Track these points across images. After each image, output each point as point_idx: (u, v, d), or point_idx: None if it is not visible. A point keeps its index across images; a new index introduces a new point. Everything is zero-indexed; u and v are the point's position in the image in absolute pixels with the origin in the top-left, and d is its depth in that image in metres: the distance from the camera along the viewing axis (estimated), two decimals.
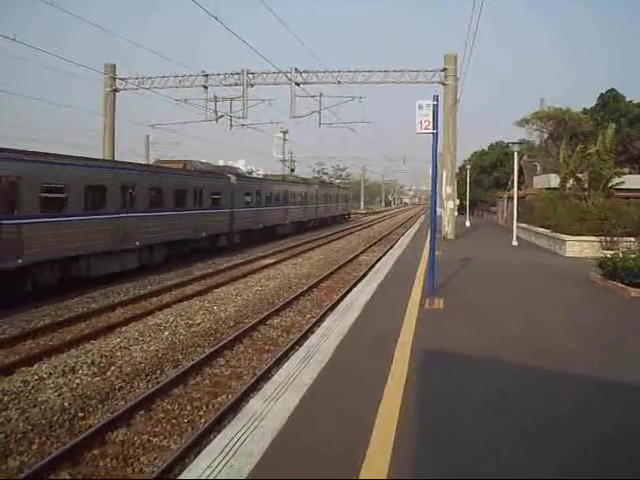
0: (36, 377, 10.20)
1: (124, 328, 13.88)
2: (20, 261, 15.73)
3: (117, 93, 35.84)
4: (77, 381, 10.10)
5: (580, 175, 27.83)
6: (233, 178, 32.81)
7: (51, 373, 10.43)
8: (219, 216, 29.97)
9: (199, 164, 31.22)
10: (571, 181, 28.75)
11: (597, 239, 23.08)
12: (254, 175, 45.82)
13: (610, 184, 26.82)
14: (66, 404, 9.02)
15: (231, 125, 37.20)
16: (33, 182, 16.39)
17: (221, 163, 34.37)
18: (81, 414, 8.74)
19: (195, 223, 26.67)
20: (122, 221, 20.74)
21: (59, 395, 9.41)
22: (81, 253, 18.54)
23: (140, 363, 11.20)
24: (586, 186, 27.32)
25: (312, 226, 52.21)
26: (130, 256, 21.60)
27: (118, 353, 11.81)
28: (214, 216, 29.22)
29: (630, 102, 55.40)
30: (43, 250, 16.57)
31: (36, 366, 10.85)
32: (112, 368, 10.87)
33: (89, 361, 11.18)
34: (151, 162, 38.72)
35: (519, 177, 34.68)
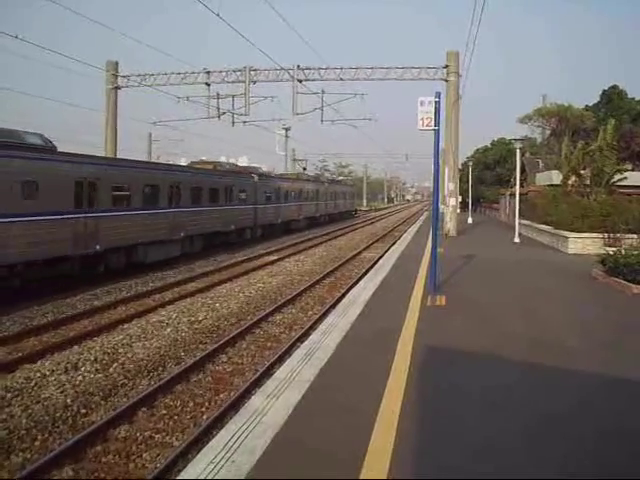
0: (39, 374, 10.23)
1: (126, 325, 13.92)
2: (98, 247, 19.30)
3: (119, 90, 35.84)
4: (80, 378, 10.13)
5: (582, 172, 27.79)
6: (256, 177, 36.24)
7: (54, 370, 10.46)
8: (245, 211, 33.66)
9: (227, 165, 35.55)
10: (573, 178, 28.73)
11: (599, 236, 23.04)
12: (273, 174, 49.25)
13: (612, 181, 26.78)
14: (69, 401, 9.04)
15: (233, 122, 37.23)
16: (107, 183, 20.15)
17: (223, 159, 34.52)
18: (83, 411, 8.77)
19: (226, 217, 30.25)
20: (170, 215, 24.39)
21: (62, 392, 9.44)
22: (140, 242, 21.97)
23: (142, 360, 11.23)
24: (588, 183, 27.29)
25: (323, 221, 55.00)
26: (175, 245, 24.97)
27: (120, 350, 11.84)
28: (241, 211, 32.94)
29: (633, 99, 55.41)
30: (114, 239, 20.22)
31: (39, 363, 10.89)
32: (114, 365, 10.89)
33: (92, 358, 11.21)
34: (154, 159, 41.03)
35: (521, 174, 34.66)
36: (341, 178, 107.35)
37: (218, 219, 29.29)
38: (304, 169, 64.47)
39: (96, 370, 10.59)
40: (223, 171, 32.56)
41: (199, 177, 28.44)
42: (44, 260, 16.98)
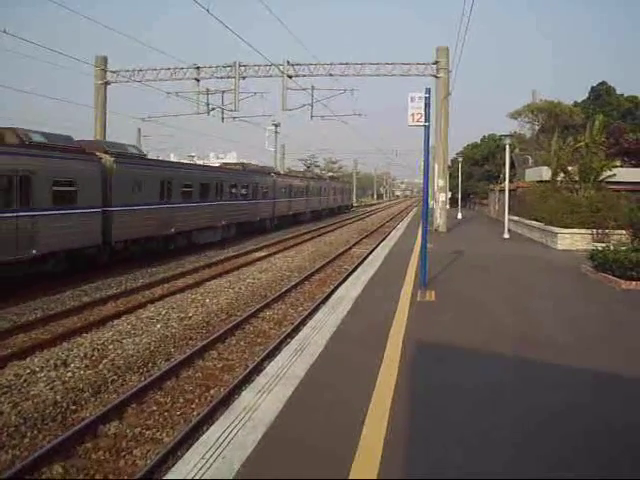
0: (28, 370, 10.18)
1: (116, 321, 13.86)
2: (172, 230, 25.16)
3: (109, 86, 35.65)
4: (69, 374, 10.09)
5: (570, 168, 27.89)
6: (275, 176, 43.31)
7: (43, 366, 10.41)
8: (267, 205, 39.75)
9: (252, 165, 41.31)
10: (562, 174, 28.85)
11: (588, 232, 23.17)
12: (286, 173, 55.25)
13: (601, 177, 26.89)
14: (58, 397, 9.00)
15: (223, 118, 37.10)
16: (179, 182, 26.06)
17: (211, 156, 34.70)
18: (73, 407, 8.74)
19: (254, 210, 36.55)
20: (215, 206, 29.89)
21: (51, 388, 9.39)
22: (195, 228, 27.72)
23: (132, 356, 11.19)
24: (576, 179, 27.40)
25: (325, 214, 61.50)
26: (218, 231, 30.69)
27: (110, 346, 11.80)
28: (265, 205, 39.07)
29: (621, 95, 55.69)
30: (180, 225, 25.88)
31: (28, 359, 10.83)
32: (104, 361, 10.85)
33: (81, 354, 11.16)
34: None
35: (511, 170, 34.76)
36: (330, 174, 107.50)
37: (249, 211, 35.50)
38: (308, 167, 75.50)
39: (86, 366, 10.54)
40: (251, 171, 38.45)
41: (235, 176, 34.55)
42: (144, 238, 23.09)
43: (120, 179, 21.13)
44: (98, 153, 20.63)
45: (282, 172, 54.45)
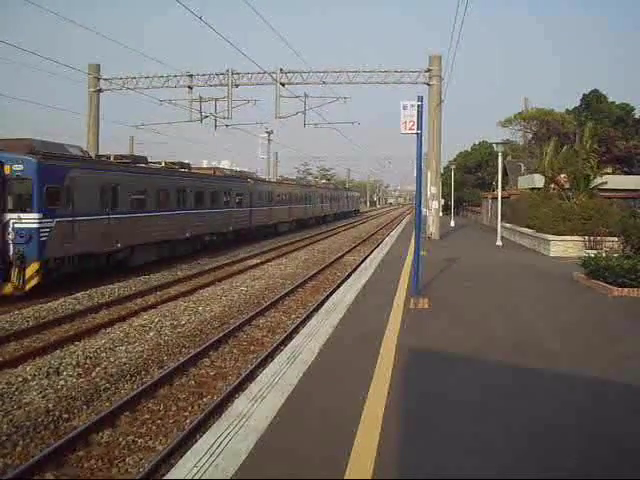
0: (20, 379, 10.13)
1: (109, 329, 13.83)
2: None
3: (101, 94, 35.63)
4: (61, 382, 10.05)
5: (562, 176, 27.99)
6: (309, 188, 54.77)
7: (35, 375, 10.36)
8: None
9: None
10: (553, 183, 28.95)
11: (581, 239, 23.25)
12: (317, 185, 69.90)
13: (593, 184, 27.00)
14: (50, 405, 8.97)
15: (216, 125, 37.10)
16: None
17: (205, 164, 34.58)
18: (66, 415, 8.70)
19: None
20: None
21: (43, 397, 9.35)
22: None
23: (125, 364, 11.16)
24: (569, 186, 27.50)
25: (342, 216, 75.93)
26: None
27: (103, 354, 11.76)
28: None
29: (613, 103, 55.99)
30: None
31: (20, 368, 10.78)
32: (97, 369, 10.82)
33: (74, 362, 11.12)
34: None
35: (503, 177, 34.88)
36: (323, 181, 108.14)
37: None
38: (328, 180, 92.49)
39: (78, 374, 10.51)
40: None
41: (277, 187, 43.90)
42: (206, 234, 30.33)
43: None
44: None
45: (267, 179, 54.49)
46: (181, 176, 28.69)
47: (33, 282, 17.11)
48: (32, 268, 17.05)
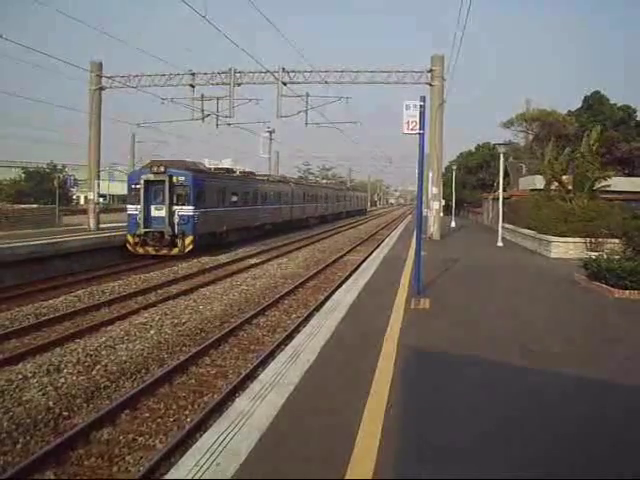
0: (20, 376, 10.13)
1: (109, 327, 13.82)
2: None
3: (103, 91, 35.57)
4: (62, 380, 10.05)
5: (565, 178, 27.94)
6: (331, 189, 69.15)
7: (36, 372, 10.36)
8: (323, 208, 61.89)
9: (315, 180, 67.30)
10: (556, 183, 28.90)
11: (582, 240, 23.22)
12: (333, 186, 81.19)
13: (596, 187, 26.94)
14: (51, 403, 8.97)
15: (217, 124, 37.07)
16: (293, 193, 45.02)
17: (206, 162, 34.74)
18: (66, 413, 8.71)
19: (312, 210, 55.64)
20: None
21: (44, 394, 9.35)
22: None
23: (126, 362, 11.16)
24: (571, 188, 27.45)
25: (354, 213, 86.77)
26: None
27: (103, 352, 11.76)
28: (324, 207, 60.73)
29: (614, 105, 55.94)
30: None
31: (20, 365, 10.78)
32: (97, 367, 10.82)
33: (74, 360, 11.12)
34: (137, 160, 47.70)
35: (505, 178, 34.84)
36: (325, 181, 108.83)
37: (315, 210, 56.97)
38: (342, 182, 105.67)
39: (79, 372, 10.50)
40: (315, 185, 57.46)
41: (308, 188, 55.93)
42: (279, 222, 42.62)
43: None
44: None
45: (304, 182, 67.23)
46: (253, 181, 39.56)
47: (189, 248, 27.45)
48: (189, 239, 27.50)
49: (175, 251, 27.11)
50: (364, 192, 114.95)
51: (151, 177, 27.54)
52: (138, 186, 27.62)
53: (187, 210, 27.46)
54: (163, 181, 27.30)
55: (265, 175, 46.66)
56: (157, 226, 27.30)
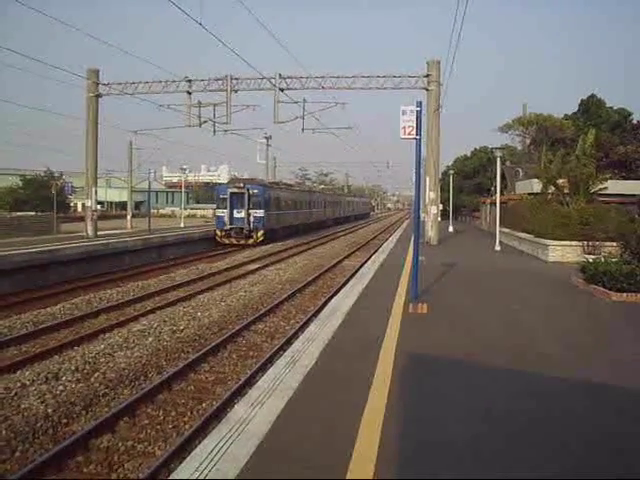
0: (19, 384, 10.12)
1: (108, 334, 13.82)
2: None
3: (100, 98, 35.59)
4: (60, 388, 10.04)
5: (561, 181, 28.01)
6: (347, 197, 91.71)
7: (34, 380, 10.36)
8: (336, 211, 76.69)
9: (333, 189, 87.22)
10: (552, 187, 28.97)
11: (579, 244, 23.25)
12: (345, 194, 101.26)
13: (592, 190, 27.01)
14: (49, 411, 8.96)
15: (214, 131, 37.14)
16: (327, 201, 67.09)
17: (203, 168, 35.70)
18: (64, 421, 8.71)
19: (331, 213, 71.21)
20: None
21: (42, 402, 9.34)
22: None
23: (124, 369, 11.15)
24: (566, 191, 27.51)
25: (360, 217, 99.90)
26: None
27: (102, 359, 11.75)
28: (325, 212, 68.48)
29: (610, 108, 56.07)
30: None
31: (19, 373, 10.78)
32: (96, 374, 10.81)
33: (72, 367, 11.12)
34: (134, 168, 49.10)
35: (502, 182, 34.89)
36: (322, 186, 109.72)
37: (333, 213, 72.73)
38: (348, 188, 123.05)
39: (77, 380, 10.50)
40: (333, 193, 77.08)
41: (328, 196, 71.87)
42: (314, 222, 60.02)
43: None
44: None
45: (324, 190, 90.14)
46: (300, 191, 56.69)
47: (260, 239, 39.08)
48: (260, 233, 39.27)
49: (251, 241, 38.74)
50: (368, 198, 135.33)
51: (235, 190, 39.33)
52: (225, 196, 39.37)
53: (259, 213, 39.21)
54: (243, 193, 39.04)
55: (304, 186, 69.70)
56: (238, 224, 38.82)
